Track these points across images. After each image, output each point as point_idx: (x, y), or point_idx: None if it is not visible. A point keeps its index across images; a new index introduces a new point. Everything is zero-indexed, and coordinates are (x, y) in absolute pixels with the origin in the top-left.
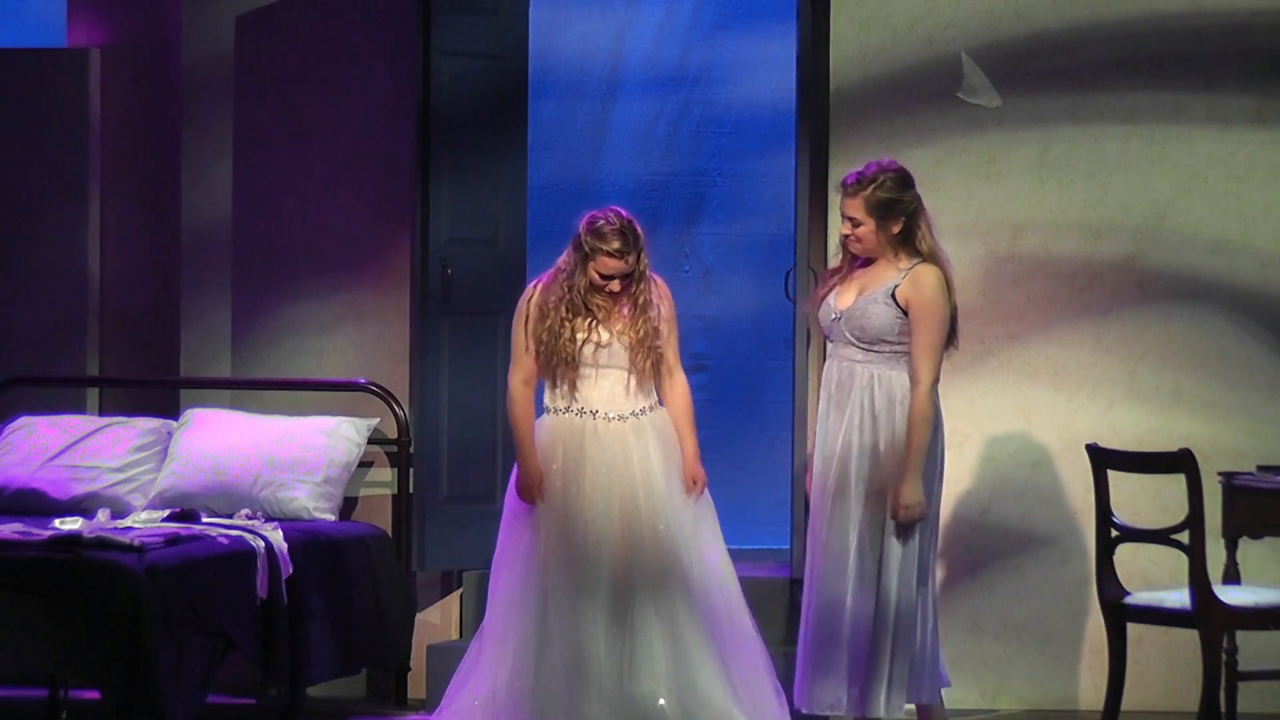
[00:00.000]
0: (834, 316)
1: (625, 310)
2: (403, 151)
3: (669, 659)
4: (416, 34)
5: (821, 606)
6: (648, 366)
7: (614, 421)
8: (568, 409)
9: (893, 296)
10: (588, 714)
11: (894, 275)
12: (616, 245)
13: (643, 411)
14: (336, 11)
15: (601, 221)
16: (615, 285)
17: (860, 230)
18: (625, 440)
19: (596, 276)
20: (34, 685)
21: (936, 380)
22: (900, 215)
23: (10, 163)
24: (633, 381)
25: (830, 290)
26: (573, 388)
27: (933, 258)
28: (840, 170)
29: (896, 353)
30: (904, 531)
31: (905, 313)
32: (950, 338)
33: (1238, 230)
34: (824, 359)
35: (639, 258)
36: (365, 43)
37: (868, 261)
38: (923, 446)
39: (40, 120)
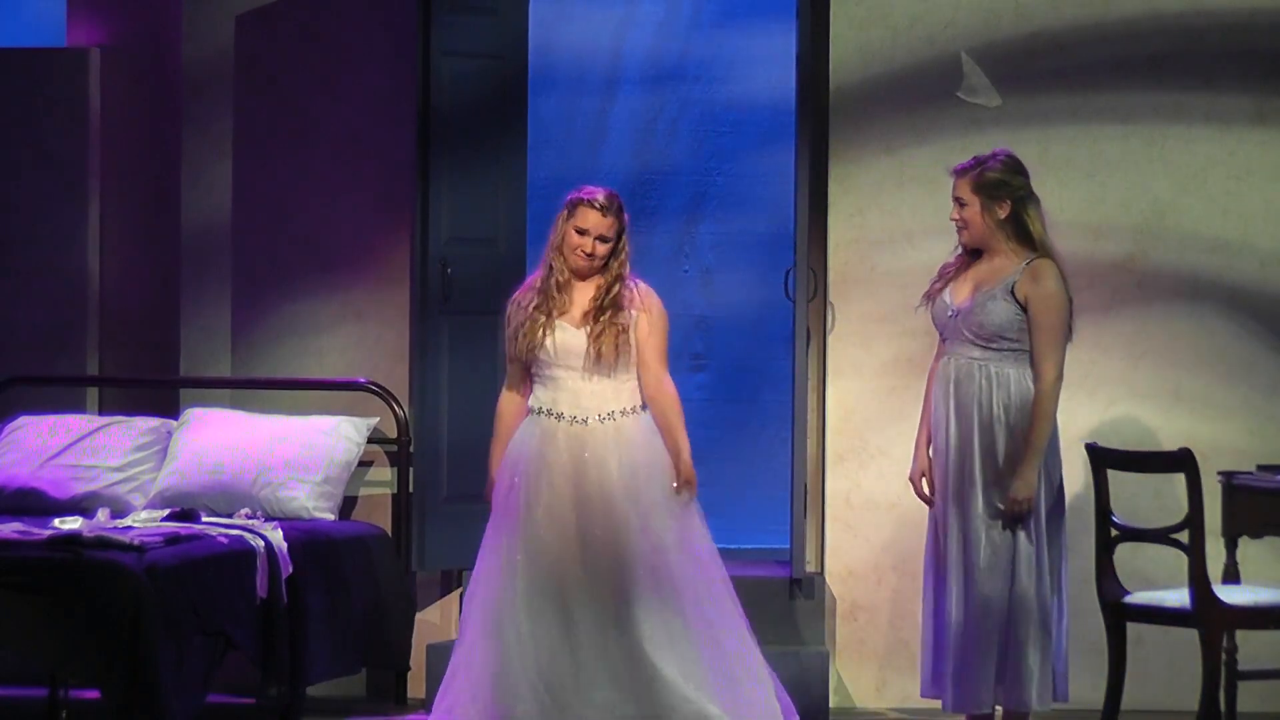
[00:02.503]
0: (950, 313)
1: (589, 306)
2: (403, 151)
3: (626, 661)
4: (416, 34)
5: (958, 610)
6: (613, 367)
7: (575, 424)
8: (540, 410)
9: (1011, 292)
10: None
11: (1010, 270)
12: (600, 200)
13: (611, 416)
14: (336, 11)
15: (592, 187)
16: (589, 245)
17: (966, 212)
18: (582, 444)
19: (574, 234)
20: (34, 685)
21: (1060, 376)
22: (1006, 198)
23: (10, 163)
24: (596, 382)
25: (945, 286)
26: (542, 388)
27: (1044, 248)
28: (840, 169)
29: (1016, 350)
30: (1026, 528)
31: (1024, 309)
32: (1068, 330)
33: (1237, 230)
34: (937, 356)
35: (620, 236)
36: (365, 43)
37: (978, 253)
38: (1043, 443)
39: (40, 120)
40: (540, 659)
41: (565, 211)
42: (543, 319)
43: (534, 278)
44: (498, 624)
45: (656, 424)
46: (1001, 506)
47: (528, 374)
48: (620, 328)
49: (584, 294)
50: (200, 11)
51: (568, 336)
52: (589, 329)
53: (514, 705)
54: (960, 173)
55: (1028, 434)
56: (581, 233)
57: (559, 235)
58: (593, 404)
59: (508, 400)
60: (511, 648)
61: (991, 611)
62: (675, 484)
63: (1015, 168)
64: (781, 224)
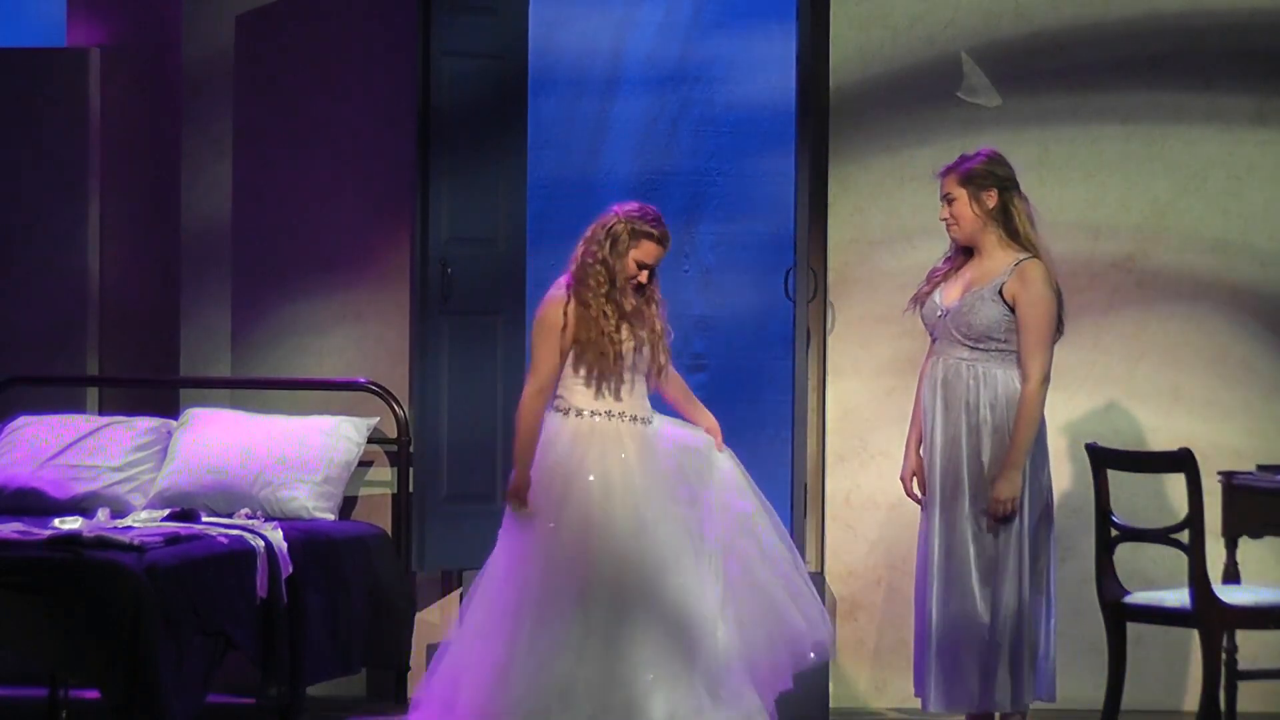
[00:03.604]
0: (940, 314)
1: (643, 311)
2: (403, 151)
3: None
4: (416, 34)
5: (943, 609)
6: (659, 366)
7: (646, 425)
8: (595, 412)
9: (1000, 293)
10: None
11: (1000, 271)
12: (662, 233)
13: (653, 414)
14: (336, 11)
15: (641, 210)
16: (644, 276)
17: (955, 207)
18: (653, 441)
19: (633, 266)
20: (34, 685)
21: (1047, 378)
22: (993, 187)
23: (10, 163)
24: (647, 384)
25: (934, 287)
26: (610, 391)
27: (1029, 243)
28: (840, 169)
29: (1003, 351)
30: (1011, 531)
31: (1012, 309)
32: (1058, 326)
33: (1237, 229)
34: (929, 355)
35: None
36: (365, 43)
37: (969, 255)
38: (1027, 444)
39: (40, 120)
40: (585, 667)
41: (625, 236)
42: (627, 328)
43: (581, 273)
44: (548, 624)
45: (683, 401)
46: (986, 508)
47: (585, 372)
48: (666, 329)
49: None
50: (200, 11)
51: (644, 340)
52: (651, 333)
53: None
54: (946, 171)
55: (1012, 434)
56: (642, 266)
57: (618, 259)
58: (646, 404)
59: (537, 408)
60: (569, 651)
61: (975, 613)
62: (718, 442)
63: (1000, 160)
64: (781, 224)
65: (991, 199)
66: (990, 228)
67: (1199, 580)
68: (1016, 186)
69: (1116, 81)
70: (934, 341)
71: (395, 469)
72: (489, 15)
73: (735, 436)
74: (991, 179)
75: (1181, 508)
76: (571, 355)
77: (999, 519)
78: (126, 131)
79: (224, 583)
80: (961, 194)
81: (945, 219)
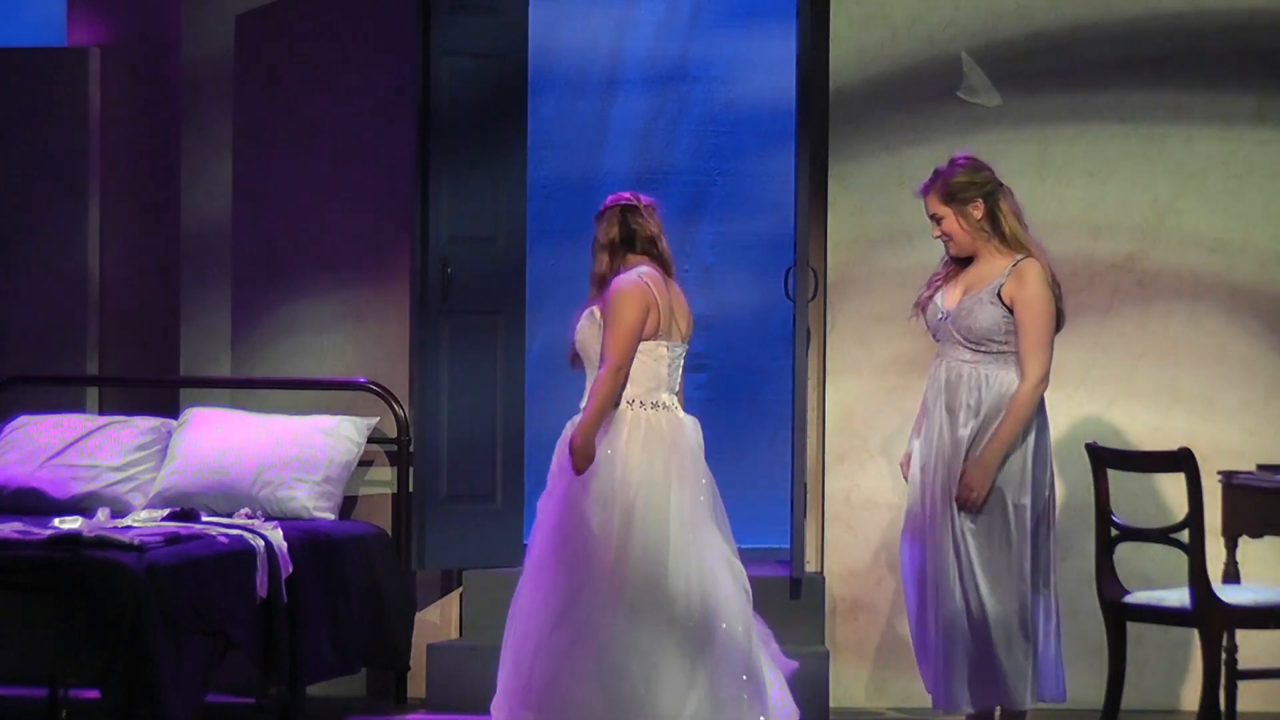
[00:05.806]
0: (940, 316)
1: None
2: (403, 151)
3: None
4: (416, 33)
5: (937, 610)
6: None
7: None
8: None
9: (998, 295)
10: None
11: (999, 273)
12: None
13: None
14: (336, 11)
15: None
16: None
17: (945, 225)
18: None
19: None
20: (34, 685)
21: (1044, 378)
22: (976, 197)
23: (10, 163)
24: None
25: (935, 289)
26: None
27: (1019, 243)
28: (840, 169)
29: (1004, 352)
30: (1009, 534)
31: (1011, 311)
32: (1058, 320)
33: (1237, 229)
34: (935, 357)
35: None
36: (365, 43)
37: (970, 260)
38: (1008, 439)
39: (40, 120)
40: None
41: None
42: None
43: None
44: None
45: None
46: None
47: None
48: None
49: None
50: (200, 11)
51: None
52: None
53: None
54: (925, 191)
55: (996, 429)
56: None
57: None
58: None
59: None
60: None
61: (968, 614)
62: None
63: (975, 166)
64: (781, 224)
65: (978, 210)
66: (984, 235)
67: (1199, 580)
68: (999, 186)
69: (1116, 81)
70: (938, 343)
71: (395, 469)
72: (489, 15)
73: (735, 436)
74: (972, 189)
75: (1181, 508)
76: None
77: (963, 508)
78: (126, 131)
79: (224, 582)
80: (947, 212)
81: (938, 237)
